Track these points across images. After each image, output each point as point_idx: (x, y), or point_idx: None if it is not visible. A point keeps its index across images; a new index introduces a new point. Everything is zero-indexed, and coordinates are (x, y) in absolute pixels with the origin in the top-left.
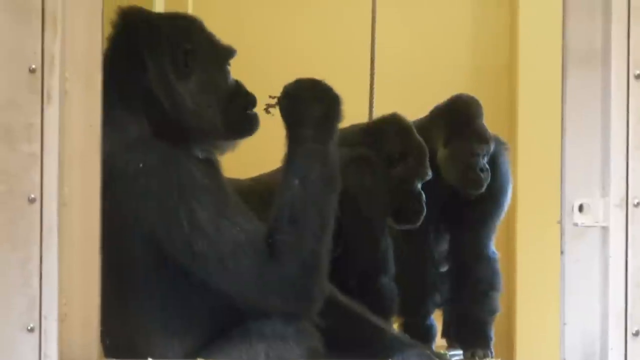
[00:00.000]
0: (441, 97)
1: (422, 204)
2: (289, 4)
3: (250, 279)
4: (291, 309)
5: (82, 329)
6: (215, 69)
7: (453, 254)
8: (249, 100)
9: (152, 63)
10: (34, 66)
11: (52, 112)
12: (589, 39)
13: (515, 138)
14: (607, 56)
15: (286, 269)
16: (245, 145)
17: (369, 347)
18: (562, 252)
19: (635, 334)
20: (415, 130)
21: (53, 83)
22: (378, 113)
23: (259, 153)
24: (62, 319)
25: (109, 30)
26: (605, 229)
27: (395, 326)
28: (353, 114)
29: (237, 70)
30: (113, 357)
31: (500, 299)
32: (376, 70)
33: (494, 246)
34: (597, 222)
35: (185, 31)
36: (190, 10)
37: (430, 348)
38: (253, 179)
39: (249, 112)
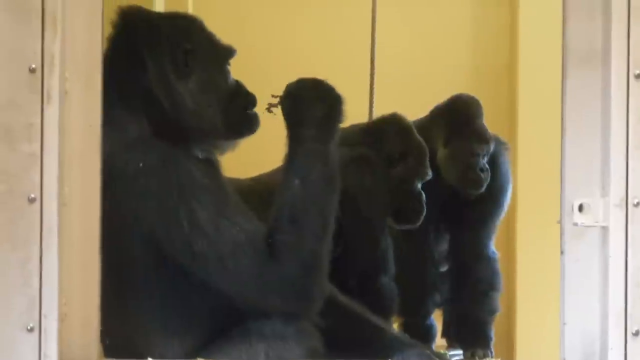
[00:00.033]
0: (441, 97)
1: (422, 203)
2: (289, 4)
3: (250, 279)
4: (291, 308)
5: (81, 329)
6: (215, 68)
7: (453, 253)
8: (249, 100)
9: (152, 63)
10: (34, 66)
11: (52, 112)
12: (589, 39)
13: (515, 138)
14: (607, 56)
15: (286, 268)
16: (245, 145)
17: (369, 347)
18: (562, 252)
19: (635, 334)
20: (415, 130)
21: (53, 83)
22: (378, 113)
23: (259, 153)
24: (62, 319)
25: (108, 30)
26: (605, 229)
27: (395, 326)
28: (353, 114)
29: (237, 70)
30: (113, 357)
31: (500, 299)
32: (376, 70)
33: (494, 246)
34: (597, 222)
35: (185, 31)
36: (190, 10)
37: (430, 348)
38: (253, 179)
39: (249, 112)
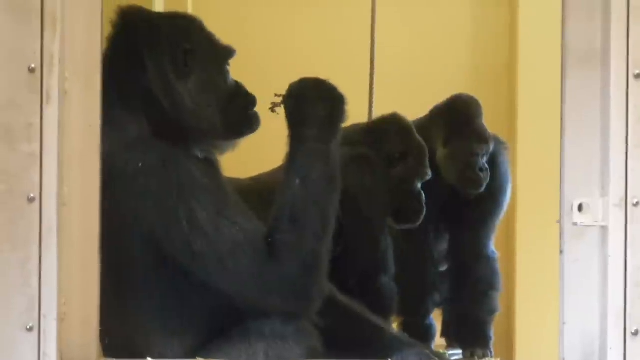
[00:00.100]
0: (441, 97)
1: (422, 203)
2: (289, 4)
3: (249, 279)
4: (291, 308)
5: (81, 329)
6: (214, 68)
7: (453, 253)
8: (249, 100)
9: (152, 63)
10: (33, 66)
11: (51, 112)
12: (589, 39)
13: (514, 138)
14: (606, 56)
15: (286, 268)
16: (246, 145)
17: (369, 347)
18: (561, 252)
19: (635, 334)
20: (415, 130)
21: (52, 83)
22: (378, 113)
23: (259, 153)
24: (61, 319)
25: (108, 29)
26: (604, 229)
27: (395, 325)
28: (353, 113)
29: (237, 70)
30: (112, 357)
31: (499, 299)
32: (376, 70)
33: (494, 246)
34: (596, 221)
35: (185, 31)
36: (190, 10)
37: (429, 347)
38: (253, 179)
39: (249, 112)
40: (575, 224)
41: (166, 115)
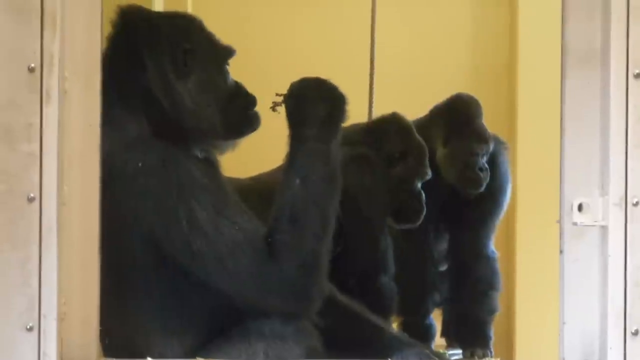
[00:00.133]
0: (441, 97)
1: (422, 203)
2: (289, 4)
3: (249, 279)
4: (291, 308)
5: (81, 328)
6: (214, 68)
7: (452, 253)
8: (249, 100)
9: (152, 62)
10: (33, 65)
11: (51, 112)
12: (589, 39)
13: (514, 137)
14: (606, 56)
15: (286, 268)
16: (246, 144)
17: (368, 347)
18: (561, 252)
19: (635, 333)
20: (415, 130)
21: (52, 82)
22: (378, 113)
23: (259, 152)
24: (61, 318)
25: (108, 29)
26: (604, 228)
27: (395, 325)
28: (353, 113)
29: (237, 70)
30: (112, 357)
31: (499, 299)
32: (376, 70)
33: (494, 245)
34: (596, 221)
35: (185, 31)
36: (189, 9)
37: (429, 347)
38: (253, 178)
39: (249, 112)
40: (575, 223)
41: (166, 115)
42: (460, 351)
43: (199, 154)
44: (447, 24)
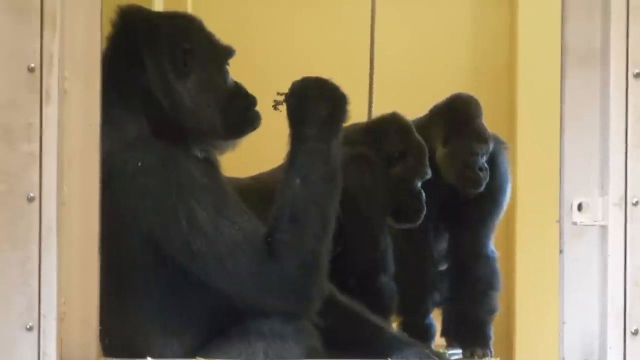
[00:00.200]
0: (441, 96)
1: (422, 202)
2: (289, 4)
3: (249, 279)
4: (290, 308)
5: (81, 328)
6: (214, 68)
7: (452, 253)
8: (249, 100)
9: (151, 62)
10: (33, 65)
11: (51, 112)
12: (588, 39)
13: (514, 137)
14: (606, 56)
15: (286, 268)
16: (246, 144)
17: (368, 346)
18: (561, 251)
19: (634, 333)
20: (414, 129)
21: (52, 82)
22: (378, 112)
23: (259, 152)
24: (61, 318)
25: (108, 29)
26: (604, 228)
27: (395, 325)
28: (353, 113)
29: (237, 70)
30: (112, 356)
31: (499, 298)
32: (376, 70)
33: (493, 245)
34: (596, 221)
35: (185, 30)
36: (189, 9)
37: (429, 347)
38: (252, 178)
39: (249, 112)
40: (574, 223)
41: (165, 114)
42: (460, 351)
43: (199, 154)
44: (447, 24)
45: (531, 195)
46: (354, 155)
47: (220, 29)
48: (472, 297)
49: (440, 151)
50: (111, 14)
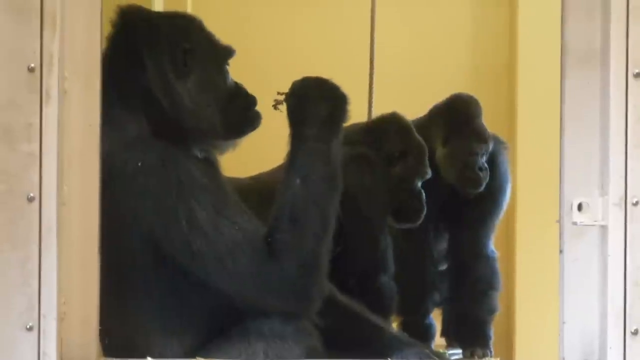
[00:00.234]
0: (441, 96)
1: (422, 202)
2: (289, 4)
3: (249, 278)
4: (290, 308)
5: (81, 328)
6: (214, 68)
7: (452, 252)
8: (249, 100)
9: (151, 62)
10: (33, 65)
11: (51, 112)
12: (588, 39)
13: (514, 137)
14: (606, 56)
15: (286, 268)
16: (246, 144)
17: (368, 346)
18: (561, 251)
19: (634, 333)
20: (414, 129)
21: (52, 82)
22: (378, 112)
23: (259, 152)
24: (61, 318)
25: (108, 29)
26: (604, 228)
27: (395, 325)
28: (353, 113)
29: (236, 70)
30: (112, 356)
31: (499, 298)
32: (376, 70)
33: (493, 245)
34: (596, 221)
35: (184, 30)
36: (189, 9)
37: (429, 347)
38: (252, 178)
39: (249, 112)
40: (574, 223)
41: (165, 114)
42: (460, 351)
43: (199, 154)
44: (447, 24)
45: (531, 195)
46: (354, 155)
47: (220, 29)
48: (472, 297)
49: (440, 151)
50: (111, 14)
